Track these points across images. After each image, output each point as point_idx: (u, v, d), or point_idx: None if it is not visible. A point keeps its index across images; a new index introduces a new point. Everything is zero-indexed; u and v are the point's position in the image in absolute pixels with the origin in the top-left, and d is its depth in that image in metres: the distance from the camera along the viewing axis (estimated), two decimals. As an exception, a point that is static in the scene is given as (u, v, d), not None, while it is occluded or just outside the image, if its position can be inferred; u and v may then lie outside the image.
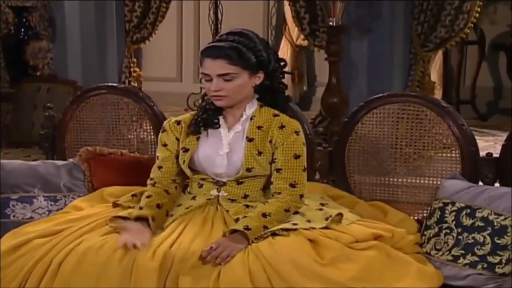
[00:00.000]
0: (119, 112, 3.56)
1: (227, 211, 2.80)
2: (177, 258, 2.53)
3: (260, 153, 2.81)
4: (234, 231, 2.65)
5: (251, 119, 2.87)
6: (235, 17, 8.86)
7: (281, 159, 2.81)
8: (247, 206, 2.81)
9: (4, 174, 3.22)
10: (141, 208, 2.77)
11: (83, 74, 6.55)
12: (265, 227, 2.66)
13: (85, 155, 3.35)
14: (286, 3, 8.16)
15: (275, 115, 2.88)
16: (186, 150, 2.88)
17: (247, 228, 2.62)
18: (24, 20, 6.27)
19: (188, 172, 2.89)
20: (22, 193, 3.20)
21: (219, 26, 8.60)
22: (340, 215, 2.80)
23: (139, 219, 2.73)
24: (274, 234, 2.64)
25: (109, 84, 3.77)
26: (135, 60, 7.50)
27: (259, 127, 2.85)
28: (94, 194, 3.16)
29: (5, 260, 2.71)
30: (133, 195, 2.95)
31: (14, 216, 3.17)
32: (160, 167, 2.92)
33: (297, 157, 2.81)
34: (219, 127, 2.87)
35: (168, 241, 2.62)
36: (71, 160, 3.39)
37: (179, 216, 2.79)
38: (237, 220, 2.73)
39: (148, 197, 2.82)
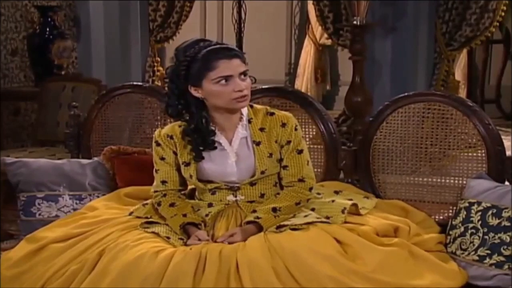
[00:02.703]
0: (144, 111, 3.58)
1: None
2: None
3: (271, 155, 2.84)
4: (247, 222, 2.74)
5: (249, 121, 2.88)
6: (259, 17, 8.84)
7: (286, 156, 2.86)
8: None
9: (29, 172, 3.25)
10: (185, 215, 2.81)
11: (107, 73, 6.58)
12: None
13: (109, 153, 3.37)
14: (309, 2, 8.13)
15: (270, 114, 2.89)
16: (188, 164, 2.86)
17: (257, 217, 2.72)
18: (49, 19, 6.28)
19: (198, 184, 2.88)
20: (48, 191, 3.23)
21: (242, 25, 8.57)
22: (355, 205, 2.85)
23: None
24: (294, 229, 2.68)
25: (134, 83, 3.80)
26: (158, 59, 7.49)
27: (261, 129, 2.87)
28: (111, 195, 3.19)
29: (24, 265, 2.73)
30: (144, 204, 2.96)
31: (39, 215, 3.20)
32: (164, 182, 2.91)
33: (299, 152, 2.87)
34: (216, 148, 2.83)
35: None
36: (96, 158, 3.41)
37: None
38: (253, 212, 2.79)
39: (172, 204, 2.86)
